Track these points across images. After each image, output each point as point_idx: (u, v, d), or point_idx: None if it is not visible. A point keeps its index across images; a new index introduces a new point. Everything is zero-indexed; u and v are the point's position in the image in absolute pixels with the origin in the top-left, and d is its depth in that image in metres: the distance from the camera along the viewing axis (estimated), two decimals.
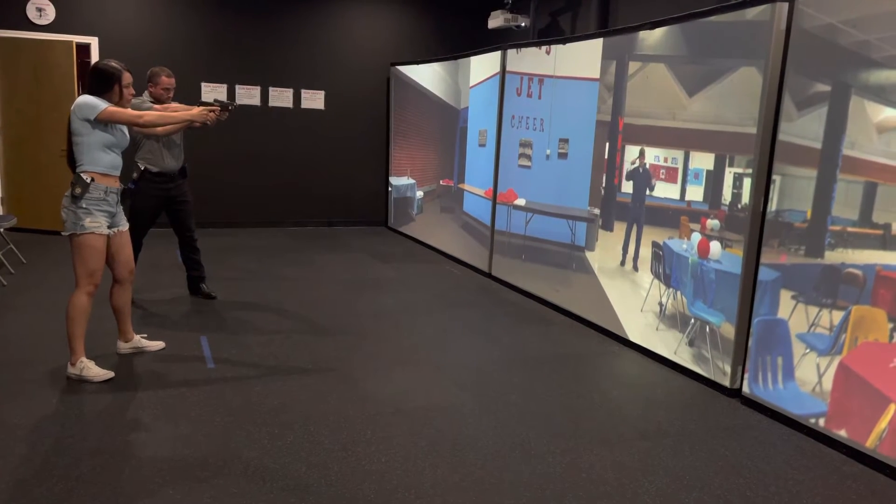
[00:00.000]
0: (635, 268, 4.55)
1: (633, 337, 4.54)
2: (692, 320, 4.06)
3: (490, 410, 3.45)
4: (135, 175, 4.78)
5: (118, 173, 3.58)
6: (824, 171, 3.25)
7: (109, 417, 3.15)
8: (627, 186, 4.63)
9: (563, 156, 5.34)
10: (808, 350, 3.35)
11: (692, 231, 4.05)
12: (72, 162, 3.48)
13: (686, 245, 4.10)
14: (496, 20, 7.44)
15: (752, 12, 3.61)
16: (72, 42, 7.25)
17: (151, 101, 4.66)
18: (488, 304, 5.56)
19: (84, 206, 3.41)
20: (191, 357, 3.97)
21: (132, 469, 2.70)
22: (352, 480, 2.70)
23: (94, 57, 7.51)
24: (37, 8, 7.32)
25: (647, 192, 4.42)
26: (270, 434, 3.06)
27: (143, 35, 7.74)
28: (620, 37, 4.67)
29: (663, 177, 4.29)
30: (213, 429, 3.08)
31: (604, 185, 4.85)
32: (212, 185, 8.11)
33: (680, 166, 4.16)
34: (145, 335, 4.11)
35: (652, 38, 4.37)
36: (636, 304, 4.54)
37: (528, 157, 5.80)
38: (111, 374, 3.59)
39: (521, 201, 5.94)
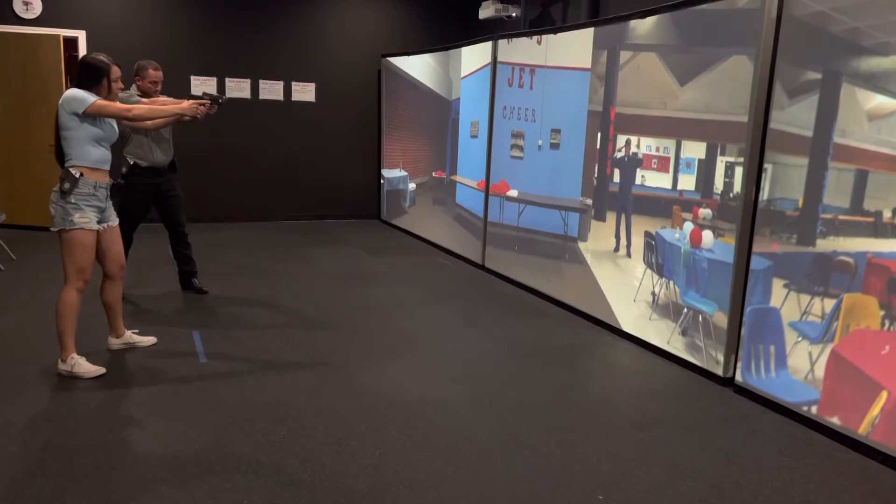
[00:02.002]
0: (628, 254, 4.55)
1: (626, 327, 4.55)
2: (685, 310, 4.07)
3: (484, 402, 3.45)
4: (124, 170, 4.73)
5: (108, 168, 3.55)
6: (815, 159, 3.25)
7: (101, 414, 3.14)
8: (615, 175, 4.62)
9: (555, 146, 5.33)
10: (800, 338, 3.36)
11: (684, 220, 4.06)
12: (60, 156, 3.45)
13: (678, 234, 4.11)
14: (487, 10, 7.40)
15: (742, 0, 3.60)
16: (59, 36, 7.18)
17: (139, 95, 4.63)
18: (481, 295, 5.55)
19: (73, 201, 3.38)
20: (183, 352, 3.96)
21: (125, 466, 2.69)
22: (346, 475, 2.70)
23: (82, 50, 7.45)
24: (23, 2, 7.24)
25: (634, 180, 4.42)
26: (264, 429, 3.05)
27: (130, 28, 7.67)
28: (611, 26, 4.66)
29: (655, 166, 4.28)
30: (206, 424, 3.07)
31: (596, 175, 4.85)
32: (202, 180, 8.07)
33: (672, 155, 4.16)
34: (136, 331, 4.08)
35: (643, 27, 4.36)
36: (629, 294, 4.54)
37: (521, 148, 5.79)
38: (102, 370, 3.57)
39: (513, 192, 5.93)
